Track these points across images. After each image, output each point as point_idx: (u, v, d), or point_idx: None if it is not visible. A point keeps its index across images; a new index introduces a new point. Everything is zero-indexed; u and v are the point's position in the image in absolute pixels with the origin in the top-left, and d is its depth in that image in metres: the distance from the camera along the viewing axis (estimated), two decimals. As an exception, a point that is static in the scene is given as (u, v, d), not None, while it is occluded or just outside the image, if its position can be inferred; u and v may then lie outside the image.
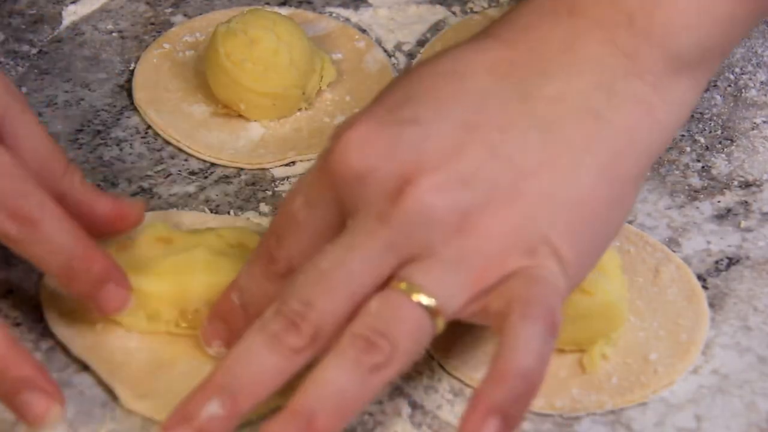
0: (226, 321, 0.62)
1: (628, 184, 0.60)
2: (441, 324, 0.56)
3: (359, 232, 0.56)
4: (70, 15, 0.84)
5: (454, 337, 0.65)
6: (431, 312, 0.55)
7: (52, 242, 0.60)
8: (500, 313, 0.56)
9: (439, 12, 0.85)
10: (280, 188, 0.73)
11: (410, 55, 0.82)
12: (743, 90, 0.80)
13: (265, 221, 0.71)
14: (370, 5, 0.85)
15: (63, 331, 0.64)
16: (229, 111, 0.76)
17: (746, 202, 0.74)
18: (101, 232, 0.64)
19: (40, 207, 0.59)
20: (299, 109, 0.77)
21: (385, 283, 0.56)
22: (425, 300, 0.55)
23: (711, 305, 0.67)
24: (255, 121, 0.76)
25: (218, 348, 0.62)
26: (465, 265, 0.56)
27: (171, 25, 0.83)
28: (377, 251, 0.55)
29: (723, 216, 0.73)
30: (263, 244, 0.61)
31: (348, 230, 0.56)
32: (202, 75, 0.77)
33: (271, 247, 0.60)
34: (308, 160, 0.75)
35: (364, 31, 0.83)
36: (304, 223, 0.59)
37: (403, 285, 0.55)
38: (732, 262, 0.70)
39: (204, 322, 0.63)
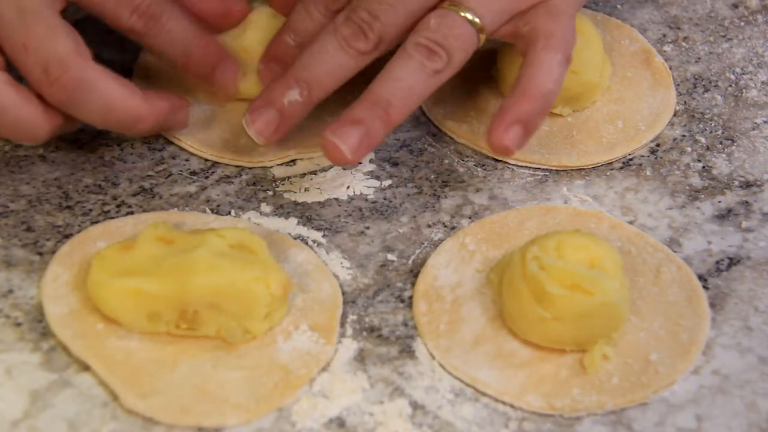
0: (282, 62, 0.72)
1: None
2: (483, 39, 0.69)
3: None
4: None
5: (455, 337, 0.65)
6: (477, 29, 0.68)
7: (172, 33, 0.70)
8: (526, 38, 0.70)
9: (440, 12, 0.85)
10: (281, 188, 0.73)
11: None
12: (744, 90, 0.80)
13: (266, 221, 0.71)
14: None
15: (64, 331, 0.64)
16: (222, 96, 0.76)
17: (747, 202, 0.74)
18: (210, 27, 0.73)
19: (160, 4, 0.69)
20: None
21: (438, 5, 0.69)
22: (472, 17, 0.68)
23: (712, 305, 0.67)
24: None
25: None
26: None
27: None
28: None
29: (724, 216, 0.73)
30: None
31: None
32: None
33: None
34: (309, 158, 0.75)
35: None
36: None
37: (455, 6, 0.68)
38: (733, 262, 0.70)
39: (260, 65, 0.73)
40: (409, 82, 0.68)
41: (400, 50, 0.68)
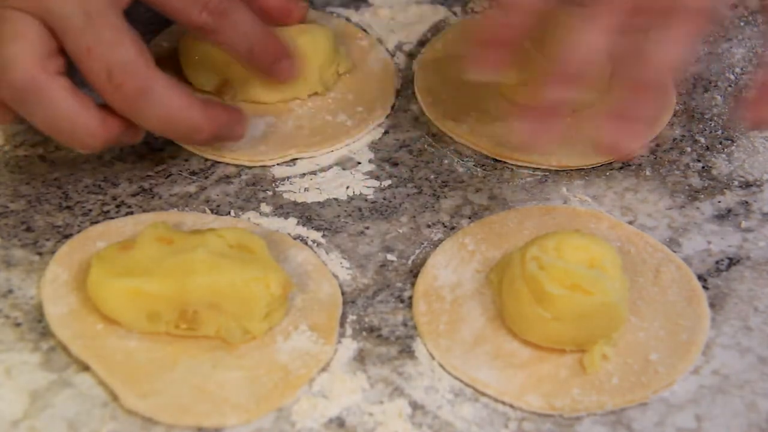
0: (492, 43, 0.67)
1: None
2: None
3: None
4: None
5: (454, 338, 0.65)
6: None
7: (238, 28, 0.71)
8: None
9: (440, 12, 0.85)
10: (281, 188, 0.73)
11: (411, 55, 0.82)
12: (743, 90, 0.80)
13: (265, 221, 0.71)
14: (371, 5, 0.85)
15: (64, 331, 0.64)
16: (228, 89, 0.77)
17: (747, 202, 0.74)
18: (272, 23, 0.76)
19: (228, 2, 0.70)
20: (312, 94, 0.78)
21: None
22: None
23: (711, 305, 0.67)
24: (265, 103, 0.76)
25: (483, 75, 0.67)
26: None
27: (170, 24, 0.83)
28: None
29: (723, 216, 0.73)
30: None
31: None
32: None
33: None
34: (309, 157, 0.75)
35: (364, 30, 0.83)
36: None
37: None
38: (732, 262, 0.70)
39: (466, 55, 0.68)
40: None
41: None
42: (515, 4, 0.67)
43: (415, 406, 0.63)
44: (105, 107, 0.67)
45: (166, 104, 0.67)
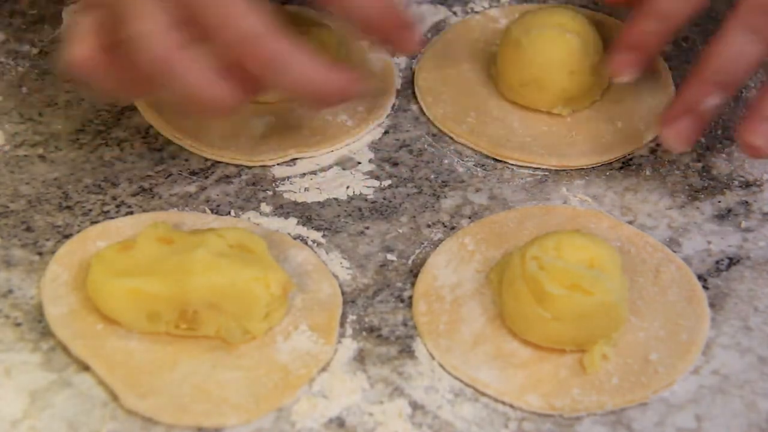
0: (643, 49, 0.73)
1: None
2: None
3: None
4: (71, 15, 0.84)
5: (454, 337, 0.65)
6: None
7: None
8: None
9: (440, 12, 0.85)
10: (281, 188, 0.73)
11: (411, 56, 0.82)
12: (743, 90, 0.80)
13: (265, 221, 0.71)
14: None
15: (64, 331, 0.64)
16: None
17: (747, 202, 0.74)
18: None
19: None
20: None
21: None
22: None
23: (711, 305, 0.67)
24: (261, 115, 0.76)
25: (630, 76, 0.74)
26: None
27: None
28: None
29: (723, 216, 0.73)
30: None
31: None
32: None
33: None
34: (309, 157, 0.75)
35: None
36: None
37: None
38: (732, 262, 0.70)
39: (613, 57, 0.74)
40: (746, 53, 0.69)
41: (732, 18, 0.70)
42: (661, 14, 0.72)
43: (415, 406, 0.63)
44: (231, 73, 0.66)
45: (301, 70, 0.66)
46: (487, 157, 0.76)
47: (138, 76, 0.66)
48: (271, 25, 0.65)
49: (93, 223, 0.71)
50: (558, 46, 0.75)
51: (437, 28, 0.84)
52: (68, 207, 0.72)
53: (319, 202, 0.73)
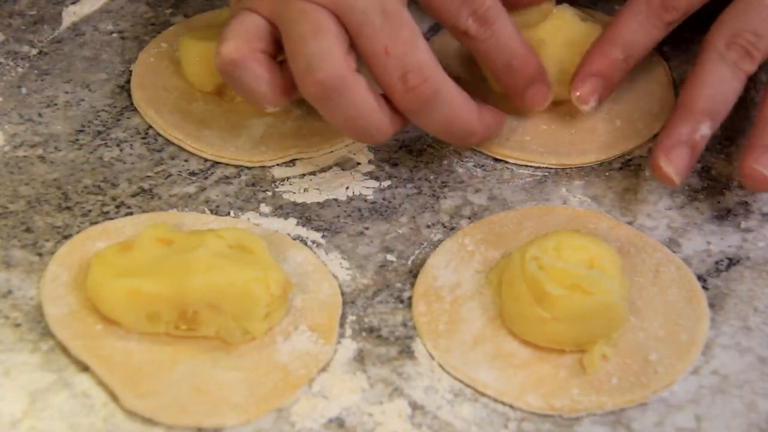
0: (607, 76, 0.73)
1: None
2: None
3: None
4: (71, 16, 0.84)
5: (454, 338, 0.65)
6: None
7: (500, 40, 0.70)
8: None
9: (440, 12, 0.85)
10: (281, 189, 0.73)
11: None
12: (743, 90, 0.80)
13: (265, 222, 0.71)
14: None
15: (63, 331, 0.64)
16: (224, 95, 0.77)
17: (746, 202, 0.74)
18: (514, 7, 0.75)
19: (496, 11, 0.70)
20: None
21: None
22: None
23: (711, 305, 0.67)
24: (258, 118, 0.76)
25: (593, 104, 0.73)
26: None
27: (171, 25, 0.83)
28: None
29: (723, 216, 0.73)
30: None
31: None
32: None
33: None
34: (309, 158, 0.75)
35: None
36: None
37: None
38: (732, 262, 0.70)
39: (576, 85, 0.73)
40: (723, 88, 0.70)
41: (710, 50, 0.71)
42: (625, 43, 0.73)
43: (415, 406, 0.63)
44: (389, 102, 0.68)
45: (452, 108, 0.67)
46: (487, 157, 0.76)
47: (290, 86, 0.67)
48: (435, 59, 0.66)
49: (93, 223, 0.71)
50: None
51: (437, 28, 0.84)
52: (68, 207, 0.72)
53: (318, 202, 0.73)
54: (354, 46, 0.67)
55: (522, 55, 0.71)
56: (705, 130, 0.70)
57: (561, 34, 0.77)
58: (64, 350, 0.64)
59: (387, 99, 0.68)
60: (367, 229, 0.71)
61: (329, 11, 0.65)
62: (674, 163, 0.69)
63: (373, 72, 0.67)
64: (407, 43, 0.66)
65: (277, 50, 0.68)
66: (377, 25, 0.66)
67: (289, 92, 0.68)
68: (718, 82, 0.70)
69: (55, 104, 0.78)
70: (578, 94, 0.73)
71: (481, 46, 0.71)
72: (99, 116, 0.77)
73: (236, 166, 0.75)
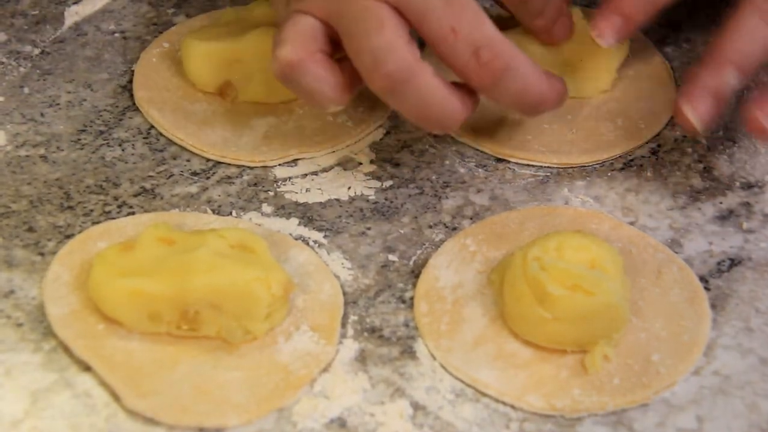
0: (625, 16, 0.72)
1: None
2: None
3: None
4: (73, 15, 0.84)
5: (455, 338, 0.65)
6: None
7: (512, 87, 0.67)
8: None
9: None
10: (282, 188, 0.73)
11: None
12: (745, 91, 0.80)
13: (267, 222, 0.71)
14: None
15: (65, 331, 0.64)
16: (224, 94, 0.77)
17: (748, 203, 0.74)
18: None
19: (505, 59, 0.66)
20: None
21: None
22: None
23: (713, 306, 0.67)
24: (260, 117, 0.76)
25: (611, 41, 0.73)
26: None
27: (173, 25, 0.83)
28: None
29: (725, 217, 0.73)
30: None
31: None
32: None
33: None
34: (311, 158, 0.75)
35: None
36: None
37: None
38: (734, 263, 0.70)
39: (599, 19, 0.73)
40: (755, 39, 0.69)
41: (745, 1, 0.70)
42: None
43: (417, 406, 0.63)
44: (458, 87, 0.67)
45: (524, 79, 0.67)
46: (489, 157, 0.76)
47: (354, 83, 0.67)
48: (500, 34, 0.66)
49: (94, 223, 0.71)
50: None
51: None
52: (70, 207, 0.72)
53: (320, 202, 0.73)
54: (418, 34, 0.66)
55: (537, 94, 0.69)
56: (732, 81, 0.69)
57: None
58: (66, 350, 0.64)
59: (455, 85, 0.67)
60: (369, 229, 0.71)
61: (389, 5, 0.65)
62: (698, 111, 0.69)
63: (443, 55, 0.67)
64: (473, 21, 0.66)
65: (333, 50, 0.68)
66: (440, 8, 0.66)
67: (351, 90, 0.68)
68: (750, 33, 0.69)
69: (57, 104, 0.78)
70: (596, 32, 0.73)
71: (492, 94, 0.68)
72: (101, 116, 0.77)
73: (238, 166, 0.75)
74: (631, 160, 0.76)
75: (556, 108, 0.70)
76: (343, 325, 0.66)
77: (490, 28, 0.66)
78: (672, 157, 0.76)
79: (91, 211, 0.71)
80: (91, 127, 0.77)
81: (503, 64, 0.66)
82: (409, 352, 0.65)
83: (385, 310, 0.67)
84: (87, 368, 0.63)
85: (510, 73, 0.66)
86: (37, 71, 0.80)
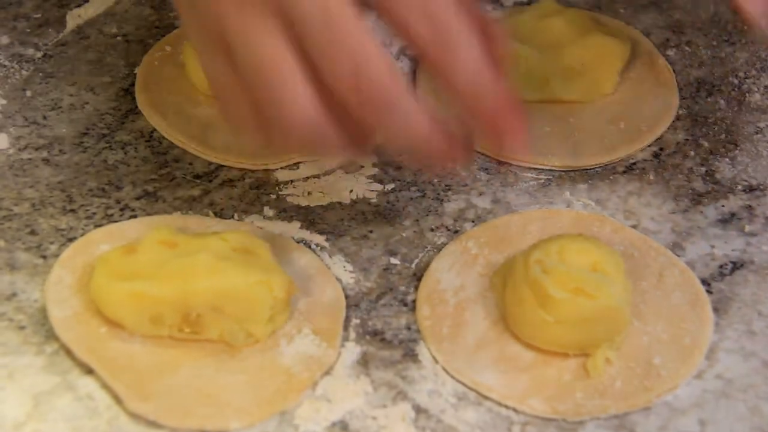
0: None
1: None
2: None
3: None
4: (75, 19, 0.84)
5: (458, 341, 0.65)
6: None
7: (460, 56, 0.58)
8: None
9: (444, 15, 0.85)
10: (284, 192, 0.73)
11: (415, 60, 0.82)
12: (747, 94, 0.80)
13: (269, 225, 0.71)
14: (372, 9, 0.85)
15: (67, 334, 0.64)
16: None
17: (750, 206, 0.74)
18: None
19: (456, 33, 0.57)
20: None
21: None
22: None
23: (715, 310, 0.67)
24: None
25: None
26: None
27: (175, 28, 0.83)
28: None
29: (727, 220, 0.73)
30: None
31: None
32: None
33: None
34: (313, 161, 0.75)
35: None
36: None
37: None
38: (736, 266, 0.70)
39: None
40: None
41: None
42: None
43: (419, 409, 0.63)
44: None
45: (410, 118, 0.59)
46: (491, 160, 0.76)
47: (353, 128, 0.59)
48: (395, 65, 0.58)
49: (97, 226, 0.71)
50: None
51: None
52: (72, 210, 0.72)
53: (322, 205, 0.73)
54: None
55: (487, 80, 0.59)
56: None
57: (565, 32, 0.77)
58: (68, 353, 0.64)
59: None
60: (370, 232, 0.71)
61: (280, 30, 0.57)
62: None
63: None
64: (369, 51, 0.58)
65: None
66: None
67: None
68: None
69: (60, 107, 0.78)
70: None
71: (441, 72, 0.59)
72: (103, 119, 0.77)
73: (240, 169, 0.75)
74: (633, 164, 0.76)
75: (453, 163, 0.62)
76: (345, 328, 0.66)
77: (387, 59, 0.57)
78: (674, 161, 0.76)
79: (94, 214, 0.71)
80: (93, 130, 0.77)
81: (387, 94, 0.57)
82: (411, 356, 0.65)
83: (387, 313, 0.67)
84: (89, 371, 0.63)
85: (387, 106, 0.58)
86: (40, 74, 0.80)
